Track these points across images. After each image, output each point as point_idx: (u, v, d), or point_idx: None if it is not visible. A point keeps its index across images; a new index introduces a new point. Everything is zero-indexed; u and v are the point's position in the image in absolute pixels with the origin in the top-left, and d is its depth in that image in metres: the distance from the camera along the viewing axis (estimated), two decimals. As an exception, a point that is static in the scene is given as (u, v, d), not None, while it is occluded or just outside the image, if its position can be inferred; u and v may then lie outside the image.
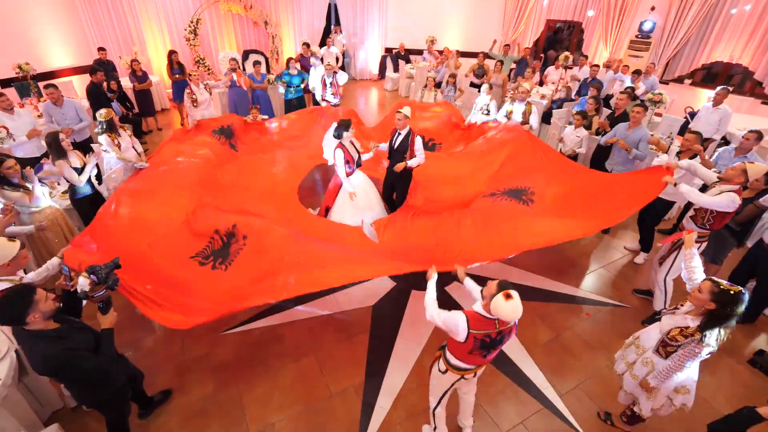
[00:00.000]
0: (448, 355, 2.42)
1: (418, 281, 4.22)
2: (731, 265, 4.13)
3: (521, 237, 3.66)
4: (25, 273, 2.69)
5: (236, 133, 5.79)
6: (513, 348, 3.62)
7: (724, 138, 6.18)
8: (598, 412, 3.09)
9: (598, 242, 5.22)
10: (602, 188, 4.19)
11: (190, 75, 6.55)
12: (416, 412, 3.06)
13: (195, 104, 6.44)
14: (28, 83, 6.83)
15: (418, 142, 4.54)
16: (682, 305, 2.43)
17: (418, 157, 4.56)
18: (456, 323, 2.19)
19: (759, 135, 4.14)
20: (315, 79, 7.43)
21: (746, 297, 2.13)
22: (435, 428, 2.79)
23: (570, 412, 3.10)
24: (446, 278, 4.36)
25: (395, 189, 4.91)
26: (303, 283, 3.03)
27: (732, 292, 2.12)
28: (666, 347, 2.39)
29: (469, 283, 2.66)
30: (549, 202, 4.28)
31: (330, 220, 4.55)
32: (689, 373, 2.44)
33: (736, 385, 3.40)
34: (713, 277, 2.25)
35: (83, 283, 2.19)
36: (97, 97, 6.46)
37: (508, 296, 2.01)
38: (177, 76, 7.74)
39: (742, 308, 2.12)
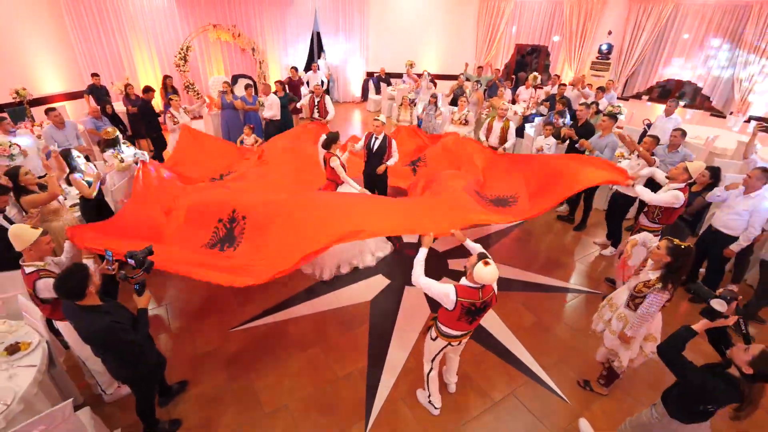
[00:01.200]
0: (439, 325, 2.81)
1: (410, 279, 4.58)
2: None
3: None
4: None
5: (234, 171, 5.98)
6: (501, 332, 3.98)
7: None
8: (577, 380, 3.46)
9: (574, 240, 5.71)
10: (575, 164, 4.75)
11: (170, 100, 6.75)
12: (416, 388, 3.35)
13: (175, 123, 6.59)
14: (24, 108, 7.03)
15: (395, 144, 5.15)
16: (643, 267, 2.88)
17: (395, 157, 5.16)
18: (447, 293, 2.57)
19: (683, 132, 4.87)
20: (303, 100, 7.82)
21: (693, 252, 2.61)
22: (429, 395, 3.13)
23: (553, 381, 3.47)
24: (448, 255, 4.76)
25: (376, 189, 5.38)
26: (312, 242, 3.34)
27: (683, 246, 2.60)
28: (634, 300, 2.85)
29: (469, 243, 3.07)
30: (530, 196, 4.78)
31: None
32: (656, 323, 2.86)
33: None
34: (668, 236, 2.71)
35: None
36: (149, 114, 7.40)
37: (486, 263, 2.47)
38: (168, 99, 8.04)
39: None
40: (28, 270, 2.71)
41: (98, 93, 7.83)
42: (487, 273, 2.46)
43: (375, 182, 5.28)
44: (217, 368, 3.54)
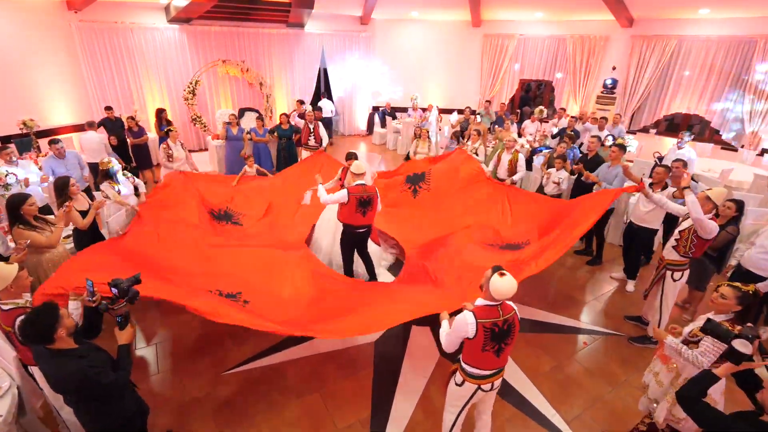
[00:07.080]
0: (464, 365, 2.48)
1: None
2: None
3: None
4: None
5: (234, 212, 5.75)
6: (517, 378, 3.64)
7: (692, 178, 6.70)
8: (605, 436, 3.10)
9: (588, 276, 5.42)
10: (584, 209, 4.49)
11: (168, 131, 6.61)
12: (425, 443, 3.01)
13: (170, 159, 6.35)
14: (31, 139, 7.03)
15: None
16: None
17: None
18: (464, 321, 2.32)
19: (684, 163, 4.69)
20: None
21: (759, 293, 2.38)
22: None
23: (578, 437, 3.11)
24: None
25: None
26: (326, 332, 3.20)
27: (750, 291, 2.38)
28: (688, 344, 2.48)
29: None
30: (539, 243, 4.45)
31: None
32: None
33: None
34: (731, 283, 2.46)
35: (73, 306, 2.47)
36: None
37: (502, 274, 2.26)
38: (164, 132, 8.04)
39: None
40: (5, 308, 2.50)
41: (112, 125, 7.75)
42: (504, 284, 2.24)
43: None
44: (205, 416, 3.22)
